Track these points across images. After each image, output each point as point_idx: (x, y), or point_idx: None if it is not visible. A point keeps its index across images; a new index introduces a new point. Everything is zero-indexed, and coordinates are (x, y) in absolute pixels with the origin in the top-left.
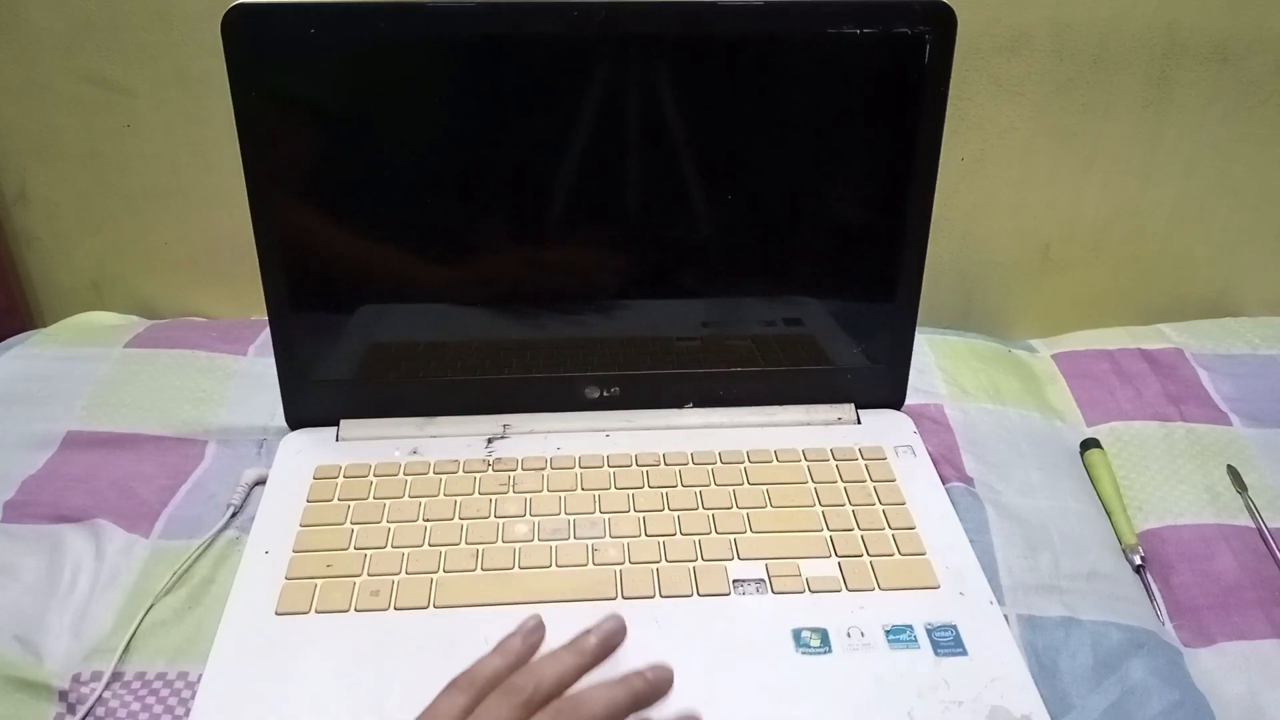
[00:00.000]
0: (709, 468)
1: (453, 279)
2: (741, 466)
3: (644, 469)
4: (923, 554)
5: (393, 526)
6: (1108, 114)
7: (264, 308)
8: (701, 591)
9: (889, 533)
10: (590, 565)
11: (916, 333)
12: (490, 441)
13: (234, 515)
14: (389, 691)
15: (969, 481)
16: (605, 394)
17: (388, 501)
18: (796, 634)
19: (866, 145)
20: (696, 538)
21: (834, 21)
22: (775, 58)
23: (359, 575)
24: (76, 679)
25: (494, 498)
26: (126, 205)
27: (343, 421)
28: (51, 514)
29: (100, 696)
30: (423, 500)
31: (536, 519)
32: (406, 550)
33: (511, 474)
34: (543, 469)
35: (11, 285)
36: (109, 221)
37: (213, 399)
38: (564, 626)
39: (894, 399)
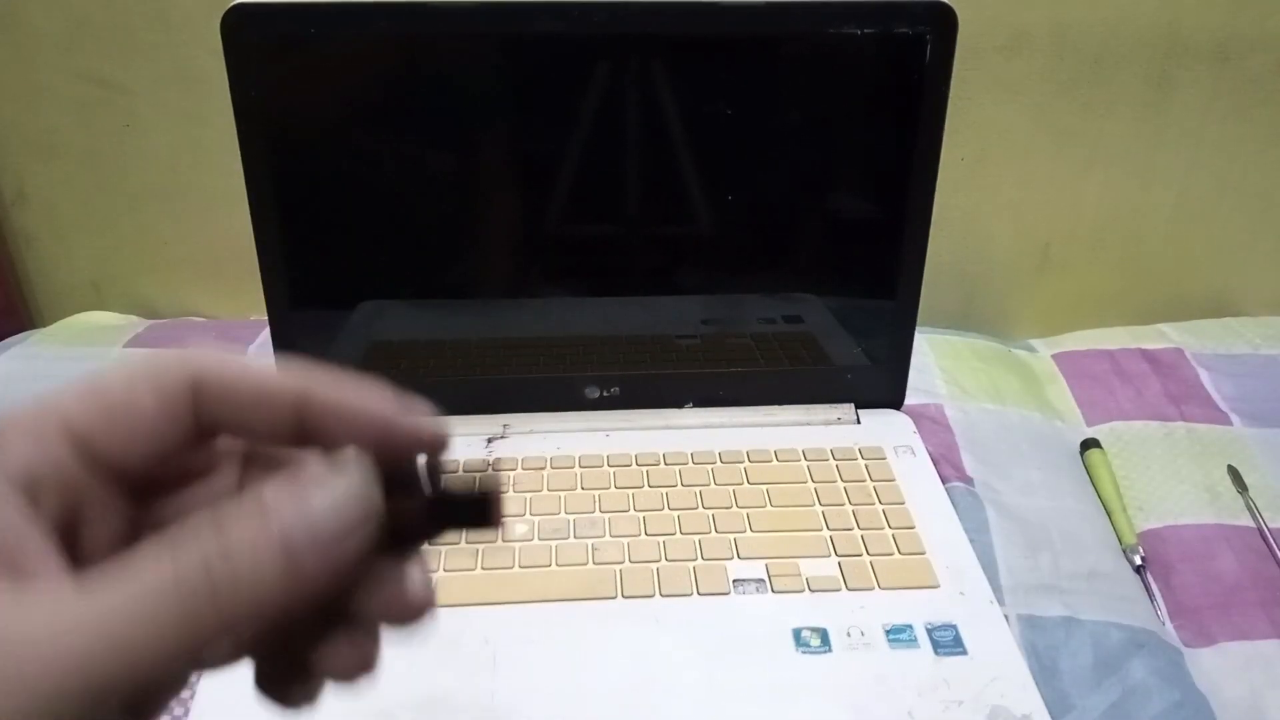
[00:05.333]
0: (709, 467)
1: (452, 278)
2: (741, 466)
3: (644, 469)
4: (923, 554)
5: None
6: (1108, 114)
7: (264, 308)
8: (701, 591)
9: (889, 532)
10: (590, 565)
11: (916, 333)
12: (490, 441)
13: None
14: (387, 691)
15: (969, 481)
16: (605, 394)
17: None
18: (796, 634)
19: (867, 145)
20: (696, 537)
21: (834, 21)
22: (775, 58)
23: None
24: None
25: None
26: (126, 205)
27: None
28: None
29: None
30: None
31: (536, 519)
32: None
33: (511, 474)
34: (542, 469)
35: (11, 285)
36: (109, 221)
37: None
38: (564, 626)
39: (894, 399)
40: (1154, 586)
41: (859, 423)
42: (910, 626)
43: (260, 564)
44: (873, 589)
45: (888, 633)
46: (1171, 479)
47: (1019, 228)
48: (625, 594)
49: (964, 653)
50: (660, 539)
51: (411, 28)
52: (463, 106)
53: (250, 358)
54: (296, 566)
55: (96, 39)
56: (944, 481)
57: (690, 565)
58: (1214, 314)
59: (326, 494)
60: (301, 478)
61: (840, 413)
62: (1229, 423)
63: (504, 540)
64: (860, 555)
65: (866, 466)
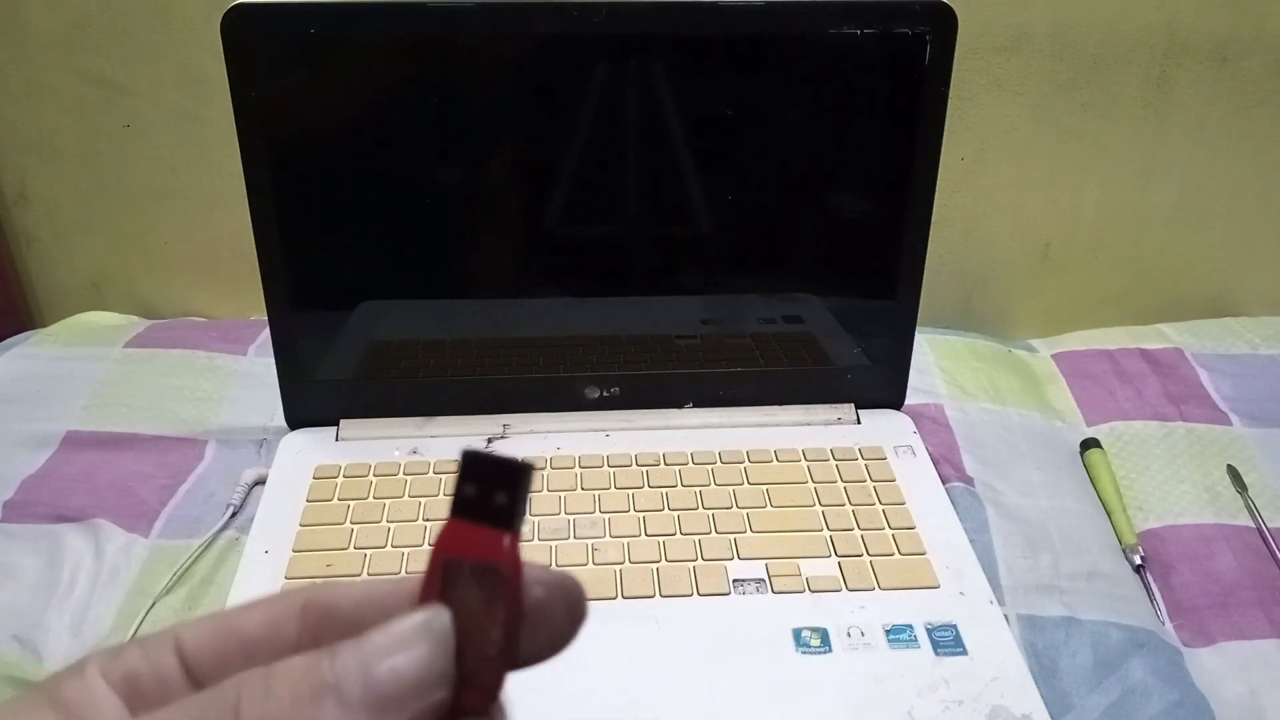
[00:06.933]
0: (709, 468)
1: (452, 278)
2: (741, 466)
3: (644, 469)
4: (923, 554)
5: (392, 526)
6: (1108, 114)
7: (264, 308)
8: (701, 591)
9: (889, 532)
10: (590, 565)
11: (916, 333)
12: (490, 441)
13: (234, 515)
14: None
15: (969, 481)
16: (605, 394)
17: (387, 501)
18: (796, 634)
19: (867, 145)
20: (696, 537)
21: (834, 21)
22: (775, 58)
23: (359, 575)
24: None
25: None
26: (126, 205)
27: (342, 421)
28: (51, 514)
29: None
30: (423, 500)
31: (536, 519)
32: (406, 550)
33: None
34: (543, 469)
35: (11, 285)
36: (109, 221)
37: (212, 399)
38: None
39: (894, 399)
40: (1154, 586)
41: (859, 423)
42: (910, 626)
43: (302, 707)
44: (873, 589)
45: (888, 633)
46: (1171, 479)
47: (1019, 228)
48: (625, 594)
49: (964, 653)
50: (660, 539)
51: (411, 28)
52: (462, 106)
53: (357, 580)
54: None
55: (96, 39)
56: (944, 481)
57: (690, 565)
58: (1214, 314)
59: (391, 650)
60: (371, 633)
61: (840, 413)
62: (1228, 423)
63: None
64: (860, 555)
65: (866, 466)
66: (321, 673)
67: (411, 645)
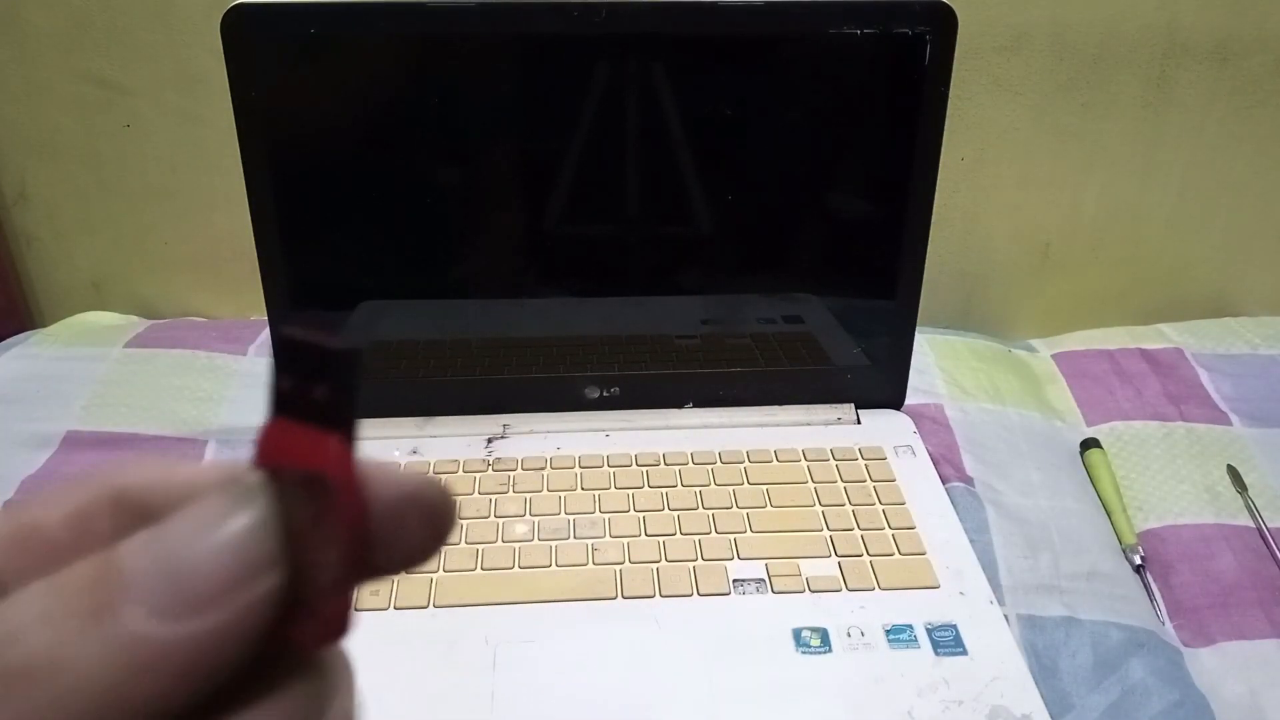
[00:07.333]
0: (709, 468)
1: (452, 278)
2: (741, 466)
3: (644, 469)
4: (923, 554)
5: None
6: (1108, 114)
7: (264, 308)
8: (701, 591)
9: (889, 532)
10: (590, 565)
11: (916, 333)
12: (490, 441)
13: None
14: (388, 691)
15: (969, 481)
16: (605, 394)
17: None
18: (796, 634)
19: (867, 145)
20: (696, 537)
21: (834, 21)
22: (775, 58)
23: None
24: None
25: (494, 497)
26: (126, 205)
27: None
28: None
29: None
30: None
31: (536, 519)
32: None
33: (511, 474)
34: (542, 469)
35: (11, 285)
36: (109, 221)
37: (213, 399)
38: (564, 626)
39: (894, 399)
40: (1154, 586)
41: (859, 423)
42: (910, 626)
43: (93, 627)
44: (873, 589)
45: (888, 633)
46: (1171, 479)
47: (1019, 228)
48: (625, 594)
49: (964, 653)
50: (660, 539)
51: (411, 28)
52: (462, 106)
53: (177, 461)
54: (137, 642)
55: (96, 39)
56: (944, 481)
57: (690, 565)
58: (1214, 314)
59: (198, 531)
60: (171, 517)
61: (840, 413)
62: (1228, 423)
63: (504, 540)
64: (860, 555)
65: (866, 466)
66: (110, 578)
67: (222, 520)
